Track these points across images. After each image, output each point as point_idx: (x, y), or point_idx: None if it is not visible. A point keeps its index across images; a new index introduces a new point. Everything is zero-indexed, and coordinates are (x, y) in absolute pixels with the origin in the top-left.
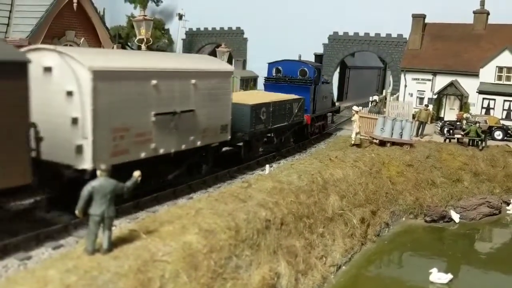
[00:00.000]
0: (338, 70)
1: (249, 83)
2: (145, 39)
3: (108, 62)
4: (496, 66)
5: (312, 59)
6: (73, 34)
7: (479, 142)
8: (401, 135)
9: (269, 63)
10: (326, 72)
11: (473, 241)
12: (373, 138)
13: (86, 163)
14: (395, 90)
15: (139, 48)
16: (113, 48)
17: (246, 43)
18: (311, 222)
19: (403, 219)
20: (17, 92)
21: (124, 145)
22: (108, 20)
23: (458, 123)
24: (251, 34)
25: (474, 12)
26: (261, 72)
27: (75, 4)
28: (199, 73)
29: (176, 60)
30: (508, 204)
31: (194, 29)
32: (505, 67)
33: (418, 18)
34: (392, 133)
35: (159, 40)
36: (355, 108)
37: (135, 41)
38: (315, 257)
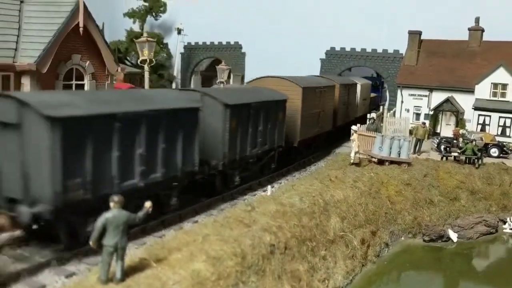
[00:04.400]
0: None
1: None
2: (148, 60)
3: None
4: (491, 83)
5: (309, 73)
6: (78, 57)
7: (476, 160)
8: (399, 154)
9: None
10: None
11: (470, 261)
12: (372, 157)
13: None
14: (392, 105)
15: (141, 68)
16: (117, 70)
17: (244, 57)
18: (313, 245)
19: (402, 238)
20: None
21: None
22: (107, 34)
23: (455, 141)
24: (249, 49)
25: (469, 29)
26: None
27: (81, 29)
28: None
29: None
30: (504, 223)
31: (193, 43)
32: (500, 83)
33: (414, 35)
34: (390, 152)
35: (158, 54)
36: (353, 127)
37: (139, 62)
38: (318, 280)
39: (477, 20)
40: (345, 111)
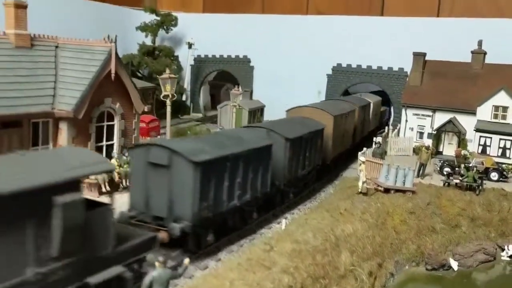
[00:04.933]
0: None
1: (256, 114)
2: (170, 95)
3: None
4: (493, 105)
5: (316, 87)
6: (110, 100)
7: (476, 187)
8: (404, 183)
9: None
10: None
11: None
12: (378, 185)
13: None
14: (396, 121)
15: (163, 103)
16: (145, 108)
17: (253, 71)
18: (326, 282)
19: (406, 267)
20: None
21: None
22: (120, 47)
23: (457, 168)
24: (257, 63)
25: (472, 52)
26: (267, 101)
27: (113, 75)
28: None
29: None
30: (502, 250)
31: (202, 55)
32: (501, 106)
33: (419, 56)
34: (395, 181)
35: (169, 67)
36: (361, 158)
37: (161, 96)
38: None
39: (479, 43)
40: (361, 129)
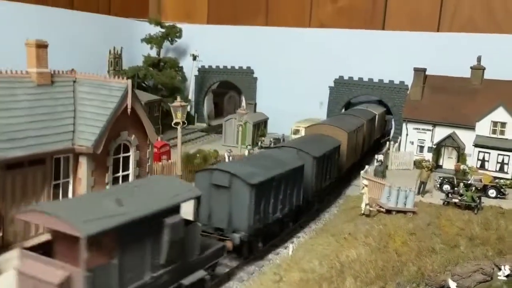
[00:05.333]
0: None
1: (260, 126)
2: (181, 122)
3: None
4: (491, 121)
5: (318, 98)
6: (126, 133)
7: (475, 206)
8: (405, 204)
9: None
10: (331, 113)
11: None
12: (380, 206)
13: None
14: (397, 133)
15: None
16: (157, 139)
17: (256, 82)
18: None
19: None
20: None
21: None
22: (125, 59)
23: (456, 188)
24: (260, 74)
25: (471, 68)
26: (270, 112)
27: (129, 110)
28: None
29: None
30: (499, 269)
31: (207, 66)
32: (499, 122)
33: (419, 72)
34: (397, 202)
35: (174, 79)
36: (364, 181)
37: (173, 124)
38: None
39: (479, 59)
40: (368, 140)
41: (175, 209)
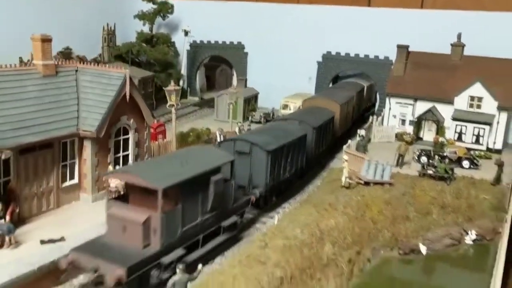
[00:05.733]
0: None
1: (251, 101)
2: (175, 105)
3: None
4: (469, 96)
5: (307, 73)
6: (125, 118)
7: (447, 178)
8: (382, 176)
9: None
10: (319, 88)
11: (435, 271)
12: (360, 179)
13: None
14: (381, 106)
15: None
16: (154, 122)
17: (247, 57)
18: (311, 271)
19: (382, 252)
20: None
21: None
22: (119, 35)
23: (431, 161)
24: (251, 49)
25: (452, 45)
26: (261, 87)
27: (128, 97)
28: None
29: None
30: (467, 234)
31: (198, 41)
32: (476, 96)
33: (402, 49)
34: (375, 175)
35: (167, 55)
36: (345, 157)
37: (167, 105)
38: None
39: (459, 36)
40: (357, 110)
41: (217, 170)
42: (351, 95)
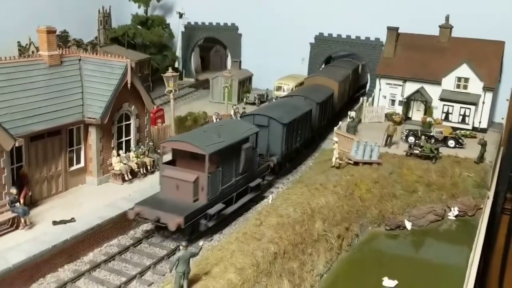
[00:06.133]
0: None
1: (245, 83)
2: (173, 90)
3: None
4: (456, 77)
5: (300, 55)
6: (127, 105)
7: (433, 157)
8: (371, 156)
9: None
10: (312, 69)
11: (419, 245)
12: (349, 159)
13: None
14: (372, 87)
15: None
16: (153, 108)
17: (241, 38)
18: (303, 246)
19: (370, 228)
20: None
21: None
22: (114, 18)
23: (417, 141)
24: (244, 30)
25: (440, 26)
26: (255, 69)
27: (129, 85)
28: None
29: None
30: (450, 210)
31: (193, 23)
32: (463, 77)
33: (392, 30)
34: (364, 155)
35: (162, 37)
36: (335, 138)
37: (165, 91)
38: (306, 271)
39: (447, 18)
40: (353, 87)
41: (247, 139)
42: (347, 73)
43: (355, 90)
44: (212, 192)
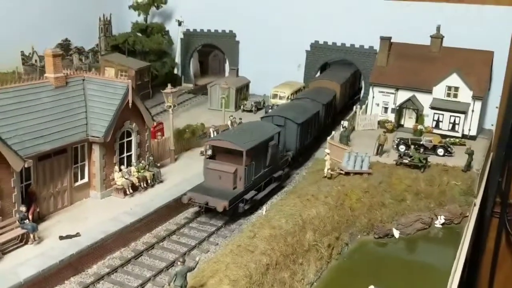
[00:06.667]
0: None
1: (242, 90)
2: (172, 106)
3: None
4: (446, 85)
5: (296, 61)
6: (128, 122)
7: (421, 166)
8: (361, 166)
9: None
10: (308, 75)
11: (406, 252)
12: (341, 169)
13: None
14: (366, 93)
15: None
16: (154, 125)
17: (238, 45)
18: (294, 257)
19: (359, 236)
20: None
21: None
22: (115, 26)
23: (406, 150)
24: (242, 38)
25: (431, 36)
26: (252, 76)
27: (130, 104)
28: None
29: None
30: (437, 218)
31: (191, 30)
32: (453, 86)
33: (385, 40)
34: (355, 165)
35: (161, 44)
36: (327, 150)
37: (165, 106)
38: (297, 281)
39: (438, 28)
40: (351, 89)
41: (272, 138)
42: (347, 76)
43: (354, 91)
44: (247, 181)
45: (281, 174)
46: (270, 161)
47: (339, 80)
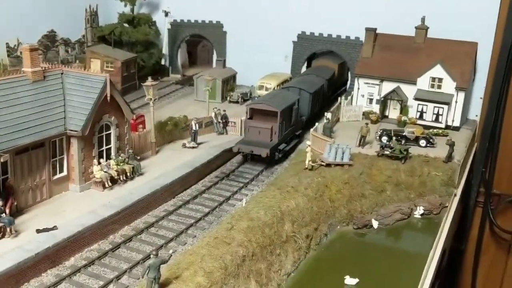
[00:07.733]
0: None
1: (229, 81)
2: (152, 99)
3: None
4: (430, 77)
5: (283, 52)
6: (107, 116)
7: (402, 158)
8: (342, 158)
9: None
10: (295, 66)
11: (384, 243)
12: (322, 161)
13: None
14: (353, 85)
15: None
16: (133, 118)
17: (225, 36)
18: (272, 248)
19: (338, 227)
20: None
21: None
22: (101, 17)
23: (388, 142)
24: (230, 28)
25: (416, 28)
26: (239, 67)
27: (108, 97)
28: None
29: None
30: (416, 209)
31: (178, 20)
32: (437, 77)
33: (370, 31)
34: (336, 157)
35: (148, 35)
36: (308, 142)
37: (145, 99)
38: (273, 271)
39: (423, 19)
40: (343, 74)
41: (295, 103)
42: (342, 60)
43: (345, 76)
44: (279, 135)
45: (300, 132)
46: (294, 121)
47: (336, 61)
